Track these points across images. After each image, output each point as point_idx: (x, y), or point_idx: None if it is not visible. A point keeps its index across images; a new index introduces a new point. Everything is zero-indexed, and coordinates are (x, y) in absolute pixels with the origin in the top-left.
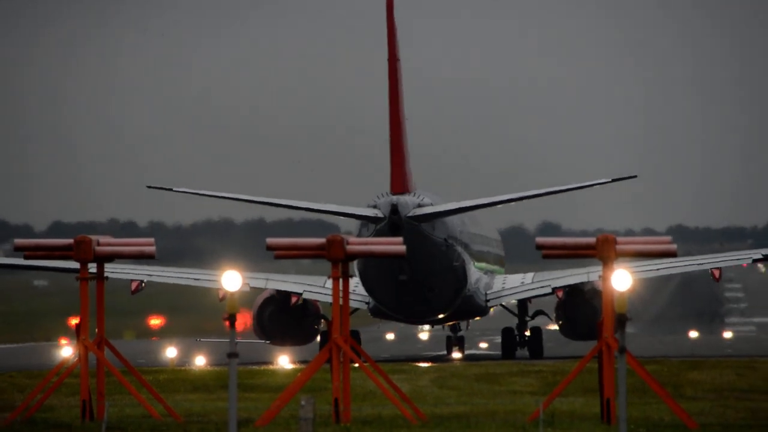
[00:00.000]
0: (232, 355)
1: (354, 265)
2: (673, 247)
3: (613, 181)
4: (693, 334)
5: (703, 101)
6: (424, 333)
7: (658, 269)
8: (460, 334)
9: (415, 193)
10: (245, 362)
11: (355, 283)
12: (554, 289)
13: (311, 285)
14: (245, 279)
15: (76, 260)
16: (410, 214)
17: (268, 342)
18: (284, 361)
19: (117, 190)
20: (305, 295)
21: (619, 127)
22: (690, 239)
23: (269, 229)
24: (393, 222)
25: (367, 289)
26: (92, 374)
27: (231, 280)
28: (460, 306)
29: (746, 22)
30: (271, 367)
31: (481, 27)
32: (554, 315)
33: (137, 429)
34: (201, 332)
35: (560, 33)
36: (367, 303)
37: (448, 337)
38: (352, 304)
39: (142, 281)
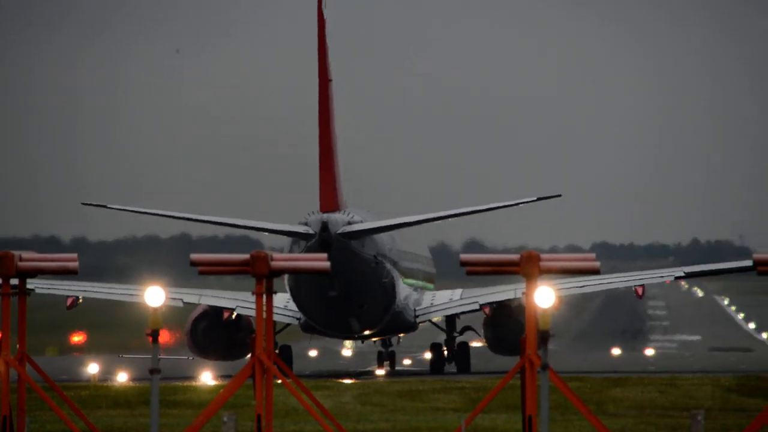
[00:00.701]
0: (154, 371)
1: (285, 282)
2: (597, 264)
3: (539, 199)
4: (616, 351)
5: (626, 120)
6: (347, 350)
7: (582, 286)
8: (390, 349)
9: (345, 211)
10: (168, 378)
11: (287, 300)
12: (482, 306)
13: (244, 300)
14: (177, 295)
15: None
16: (340, 231)
17: (191, 358)
18: (207, 377)
19: (40, 206)
20: (238, 311)
21: (543, 147)
22: (614, 256)
23: (194, 245)
24: (323, 239)
25: (298, 306)
26: (13, 390)
27: (154, 295)
28: (390, 322)
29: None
30: (193, 383)
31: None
32: (482, 331)
33: None
34: (123, 349)
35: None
36: (298, 319)
37: (380, 352)
38: (284, 320)
39: (77, 297)
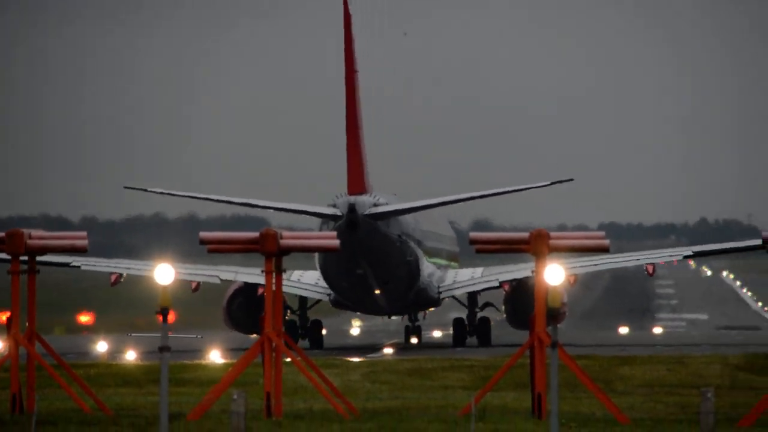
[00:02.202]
0: (164, 348)
1: (316, 260)
2: (606, 242)
3: (552, 183)
4: (624, 329)
5: (632, 101)
6: (355, 328)
7: (596, 264)
8: (417, 323)
9: (371, 194)
10: (177, 357)
11: (317, 277)
12: (501, 283)
13: None
14: (214, 272)
15: (8, 253)
16: (366, 213)
17: (200, 337)
18: (216, 355)
19: (49, 187)
20: None
21: (555, 128)
22: (622, 236)
23: (202, 225)
24: (350, 220)
25: (328, 283)
26: (23, 368)
27: (164, 273)
28: (414, 298)
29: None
30: (203, 361)
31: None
32: (502, 306)
33: (67, 423)
34: (131, 327)
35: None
36: (329, 295)
37: (407, 327)
38: (315, 296)
39: (121, 274)
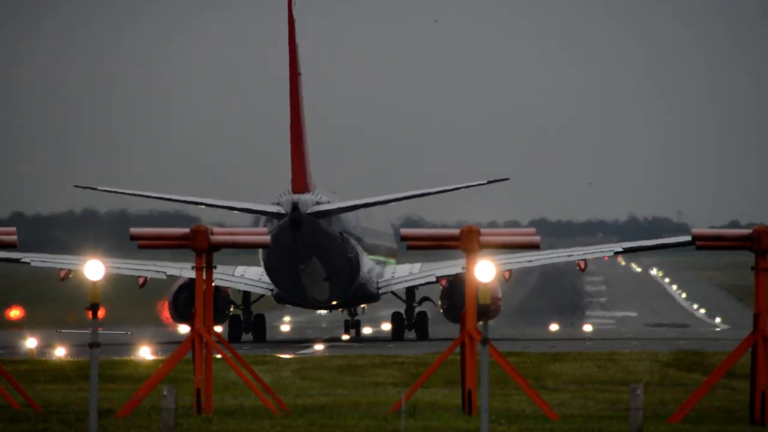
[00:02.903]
0: (93, 345)
1: (260, 257)
2: (537, 238)
3: (489, 183)
4: (554, 326)
5: (565, 96)
6: (285, 325)
7: (529, 261)
8: (356, 318)
9: (314, 192)
10: (106, 353)
11: (261, 273)
12: (438, 278)
13: (222, 273)
14: (161, 268)
15: None
16: (309, 211)
17: (129, 333)
18: (145, 352)
19: None
20: (216, 282)
21: (486, 126)
22: (552, 233)
23: (132, 221)
24: (294, 218)
25: (271, 278)
26: None
27: (94, 269)
28: (355, 293)
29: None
30: (132, 358)
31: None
32: (439, 301)
33: None
34: (61, 324)
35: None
36: (271, 290)
37: (346, 321)
38: (259, 291)
39: (70, 270)
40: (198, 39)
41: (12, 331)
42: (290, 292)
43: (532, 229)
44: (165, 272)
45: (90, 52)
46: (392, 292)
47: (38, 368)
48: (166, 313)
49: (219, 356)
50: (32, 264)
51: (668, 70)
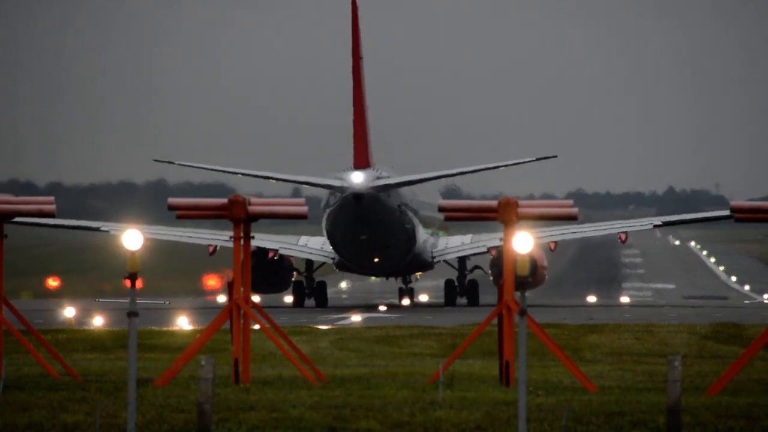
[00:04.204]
0: (132, 314)
1: (323, 226)
2: (575, 210)
3: (537, 159)
4: (591, 298)
5: (604, 70)
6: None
7: (572, 233)
8: (410, 285)
9: (374, 168)
10: (145, 323)
11: (323, 242)
12: (488, 248)
13: (286, 243)
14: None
15: None
16: (370, 185)
17: (168, 303)
18: (183, 322)
19: (17, 151)
20: (281, 251)
21: (533, 103)
22: (590, 204)
23: (170, 191)
24: (356, 191)
25: (334, 247)
26: None
27: (132, 239)
28: (411, 261)
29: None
30: (171, 328)
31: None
32: (488, 270)
33: (35, 387)
34: (98, 293)
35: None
36: (333, 259)
37: (400, 288)
38: (321, 259)
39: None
40: (264, 18)
41: (50, 300)
42: (351, 260)
43: (570, 201)
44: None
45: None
46: (445, 261)
47: (77, 337)
48: (207, 282)
49: (257, 326)
50: (111, 233)
51: (705, 44)
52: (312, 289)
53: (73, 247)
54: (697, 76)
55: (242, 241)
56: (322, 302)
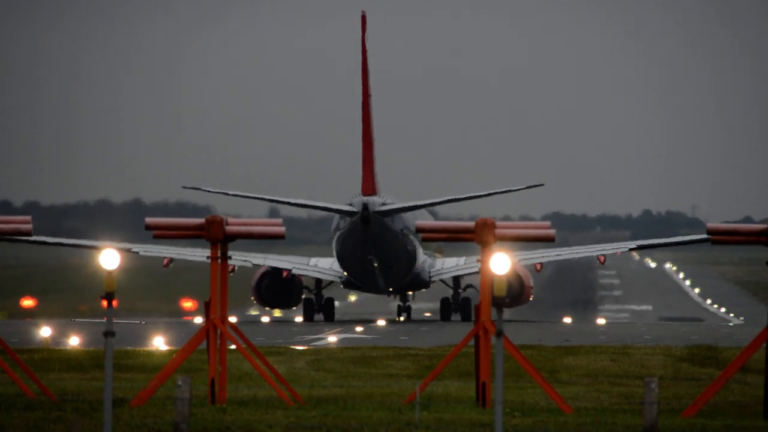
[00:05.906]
0: (108, 333)
1: (333, 247)
2: (552, 232)
3: (526, 188)
4: (567, 320)
5: (582, 93)
6: (299, 317)
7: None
8: (408, 303)
9: (380, 195)
10: (121, 343)
11: (332, 262)
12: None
13: (298, 263)
14: (246, 257)
15: None
16: (376, 210)
17: (143, 323)
18: (159, 342)
19: None
20: (293, 271)
21: (510, 125)
22: (566, 226)
23: (147, 211)
24: (364, 216)
25: (343, 266)
26: None
27: (109, 258)
28: (411, 280)
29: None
30: (147, 348)
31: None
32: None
33: (10, 407)
34: (74, 313)
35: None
36: (340, 277)
37: (399, 306)
38: (329, 278)
39: (171, 258)
40: (270, 39)
41: (25, 320)
42: (359, 278)
43: (547, 223)
44: (251, 261)
45: (151, 48)
46: (442, 280)
47: (53, 357)
48: (183, 303)
49: (233, 347)
50: (141, 253)
51: (681, 66)
52: (320, 305)
53: (49, 266)
54: (674, 100)
55: (219, 261)
56: (329, 316)
